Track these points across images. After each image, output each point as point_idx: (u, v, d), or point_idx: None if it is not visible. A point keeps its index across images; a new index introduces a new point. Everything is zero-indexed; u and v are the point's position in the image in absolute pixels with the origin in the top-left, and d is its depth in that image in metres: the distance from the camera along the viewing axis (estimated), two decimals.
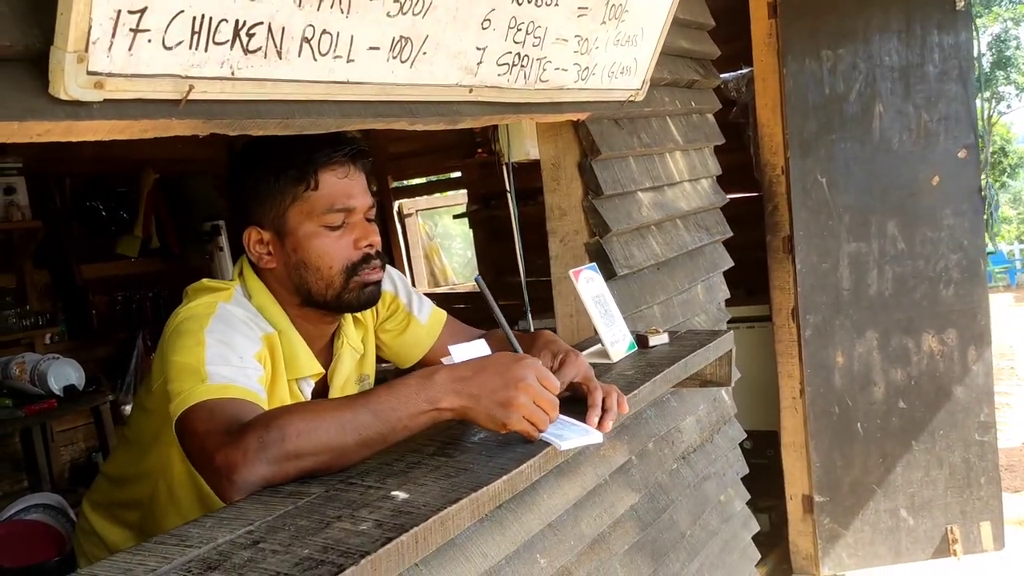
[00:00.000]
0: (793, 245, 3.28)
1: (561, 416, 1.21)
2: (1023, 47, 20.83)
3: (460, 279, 7.72)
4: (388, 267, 1.53)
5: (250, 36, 1.00)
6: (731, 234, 2.77)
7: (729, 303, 2.84)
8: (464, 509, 0.99)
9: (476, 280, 1.32)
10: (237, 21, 0.97)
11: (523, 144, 2.70)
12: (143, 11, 0.87)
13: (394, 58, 1.23)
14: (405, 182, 6.65)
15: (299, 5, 1.03)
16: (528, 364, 1.12)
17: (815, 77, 3.24)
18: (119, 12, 0.85)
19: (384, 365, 1.67)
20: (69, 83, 0.85)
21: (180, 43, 0.93)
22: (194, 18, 0.93)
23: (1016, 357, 8.31)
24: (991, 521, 3.42)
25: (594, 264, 1.83)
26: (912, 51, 3.25)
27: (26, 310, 4.63)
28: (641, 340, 1.83)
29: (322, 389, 1.46)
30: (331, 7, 1.08)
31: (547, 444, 1.16)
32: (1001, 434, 3.95)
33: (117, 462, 1.56)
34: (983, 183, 3.35)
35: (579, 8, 1.59)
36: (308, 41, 1.08)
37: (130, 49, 0.88)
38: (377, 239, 1.38)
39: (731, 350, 1.92)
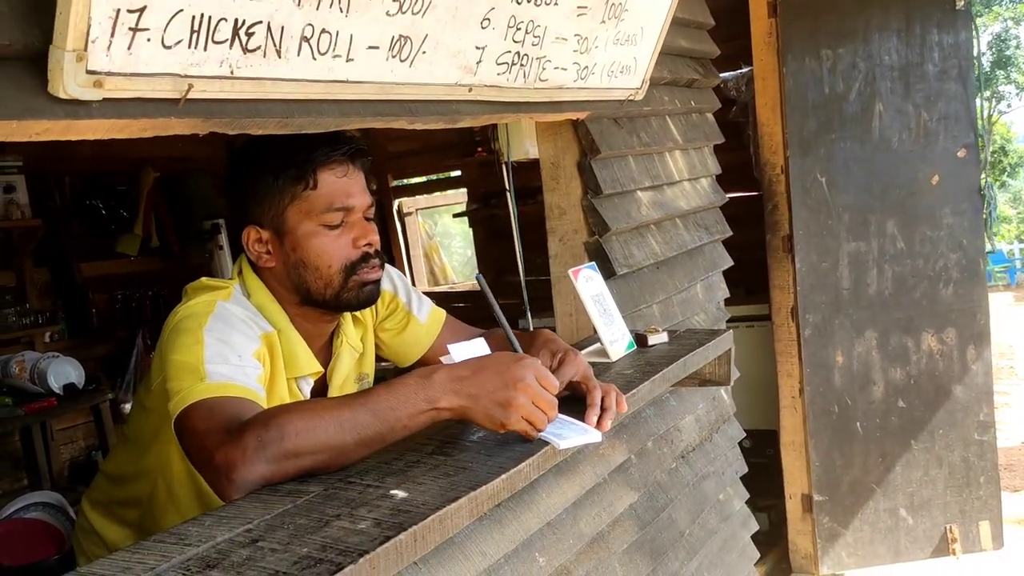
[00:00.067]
0: (793, 244, 3.28)
1: (560, 415, 1.21)
2: (1023, 46, 20.81)
3: (460, 278, 7.72)
4: (387, 266, 1.53)
5: (249, 35, 1.00)
6: (730, 233, 2.77)
7: (728, 302, 2.84)
8: (463, 508, 0.99)
9: (477, 279, 1.32)
10: (236, 20, 0.97)
11: (522, 143, 2.70)
12: (142, 10, 0.87)
13: (393, 57, 1.23)
14: (405, 181, 6.65)
15: (298, 4, 1.03)
16: (527, 364, 1.13)
17: (815, 76, 3.24)
18: (118, 11, 0.85)
19: (383, 364, 1.67)
20: (68, 82, 0.85)
21: (179, 42, 0.93)
22: (193, 17, 0.93)
23: (1016, 356, 8.32)
24: (990, 520, 3.43)
25: (593, 263, 1.83)
26: (912, 50, 3.25)
27: (26, 308, 4.63)
28: (640, 339, 1.83)
29: (321, 388, 1.46)
30: (330, 6, 1.08)
31: (546, 443, 1.16)
32: (1000, 433, 3.96)
33: (116, 460, 1.57)
34: (982, 182, 3.35)
35: (578, 7, 1.59)
36: (307, 40, 1.08)
37: (129, 48, 0.88)
38: (376, 238, 1.38)
39: (730, 349, 1.92)
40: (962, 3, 3.22)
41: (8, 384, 4.14)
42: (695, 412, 2.24)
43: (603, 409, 1.29)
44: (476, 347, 1.27)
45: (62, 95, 0.86)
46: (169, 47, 0.92)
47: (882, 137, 3.28)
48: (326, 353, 1.48)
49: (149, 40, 0.90)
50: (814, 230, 3.29)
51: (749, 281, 3.69)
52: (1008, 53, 20.41)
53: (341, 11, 1.10)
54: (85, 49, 0.85)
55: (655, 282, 2.27)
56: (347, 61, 1.15)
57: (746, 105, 3.71)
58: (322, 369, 1.44)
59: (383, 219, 6.29)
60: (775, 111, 3.28)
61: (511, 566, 1.32)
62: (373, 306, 1.49)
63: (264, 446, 1.00)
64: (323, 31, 1.09)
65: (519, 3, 1.42)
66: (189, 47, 0.94)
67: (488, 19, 1.37)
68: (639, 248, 2.20)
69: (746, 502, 2.49)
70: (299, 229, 1.33)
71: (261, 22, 1.00)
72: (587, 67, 1.75)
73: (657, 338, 1.84)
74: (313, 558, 0.84)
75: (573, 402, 1.31)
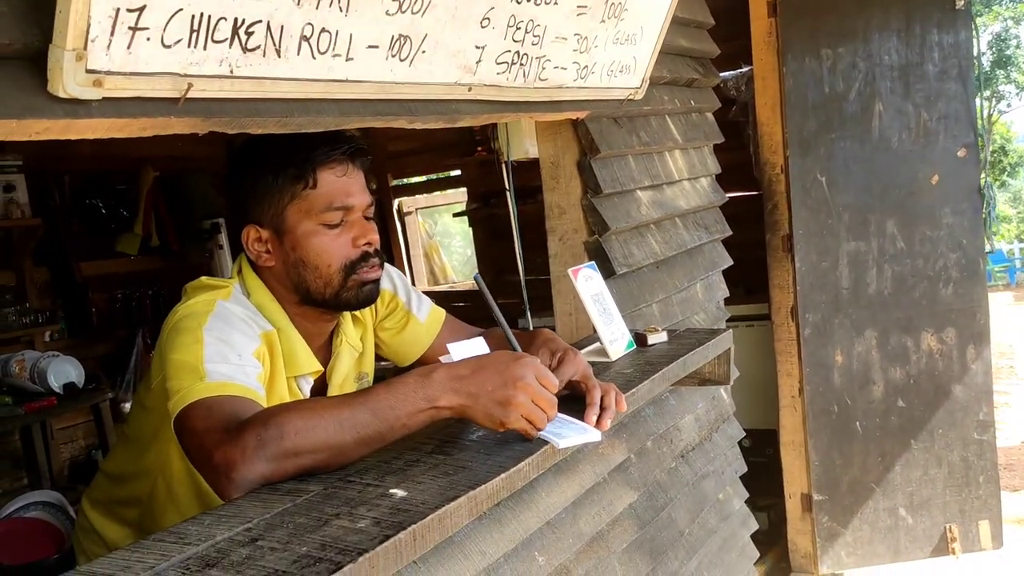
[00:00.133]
0: (792, 244, 3.28)
1: (559, 414, 1.21)
2: (1023, 46, 20.81)
3: (460, 277, 7.72)
4: (387, 265, 1.53)
5: (249, 34, 1.00)
6: (730, 233, 2.77)
7: (728, 302, 2.84)
8: (462, 507, 1.00)
9: (475, 279, 1.33)
10: (236, 19, 0.97)
11: (522, 142, 2.70)
12: (142, 9, 0.87)
13: (393, 56, 1.23)
14: (405, 180, 6.65)
15: (298, 4, 1.03)
16: (527, 363, 1.13)
17: (815, 76, 3.24)
18: (118, 10, 0.85)
19: (383, 363, 1.67)
20: (68, 81, 0.85)
21: (179, 41, 0.93)
22: (193, 16, 0.93)
23: (1016, 356, 8.32)
24: (990, 520, 3.43)
25: (593, 262, 1.83)
26: (912, 50, 3.25)
27: (26, 308, 4.63)
28: (640, 338, 1.83)
29: (321, 387, 1.46)
30: (330, 6, 1.08)
31: (545, 442, 1.16)
32: (1000, 433, 3.96)
33: (116, 460, 1.57)
34: (982, 182, 3.35)
35: (578, 7, 1.59)
36: (307, 39, 1.08)
37: (129, 47, 0.88)
38: (375, 237, 1.38)
39: (730, 348, 1.92)
40: (962, 3, 3.22)
41: (8, 383, 4.14)
42: (695, 411, 2.24)
43: (602, 408, 1.29)
44: (475, 346, 1.27)
45: (62, 94, 0.86)
46: (169, 46, 0.92)
47: (882, 137, 3.28)
48: (326, 352, 1.48)
49: (149, 39, 0.90)
50: (814, 230, 3.29)
51: (749, 280, 3.69)
52: (1008, 53, 20.41)
53: (341, 10, 1.10)
54: (85, 48, 0.85)
55: (655, 281, 2.27)
56: (347, 60, 1.15)
57: (746, 104, 3.71)
58: (322, 368, 1.44)
59: (383, 218, 6.29)
60: (775, 111, 3.28)
61: (510, 565, 1.32)
62: (373, 305, 1.49)
63: (263, 445, 1.00)
64: (323, 30, 1.09)
65: (519, 3, 1.42)
66: (189, 46, 0.94)
67: (488, 18, 1.37)
68: (639, 247, 2.20)
69: (746, 501, 2.49)
70: (299, 228, 1.33)
71: (261, 21, 1.00)
72: (587, 66, 1.75)
73: (656, 337, 1.84)
74: (312, 557, 0.84)
75: (572, 401, 1.31)
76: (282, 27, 1.03)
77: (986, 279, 3.45)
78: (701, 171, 2.65)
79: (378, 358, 1.63)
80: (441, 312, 1.67)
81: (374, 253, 1.38)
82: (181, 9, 0.91)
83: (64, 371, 4.20)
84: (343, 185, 1.34)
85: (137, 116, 0.95)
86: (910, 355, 3.36)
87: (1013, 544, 3.52)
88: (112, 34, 0.86)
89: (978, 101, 3.34)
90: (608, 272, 1.99)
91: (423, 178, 6.75)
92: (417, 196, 6.82)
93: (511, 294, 3.31)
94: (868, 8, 3.23)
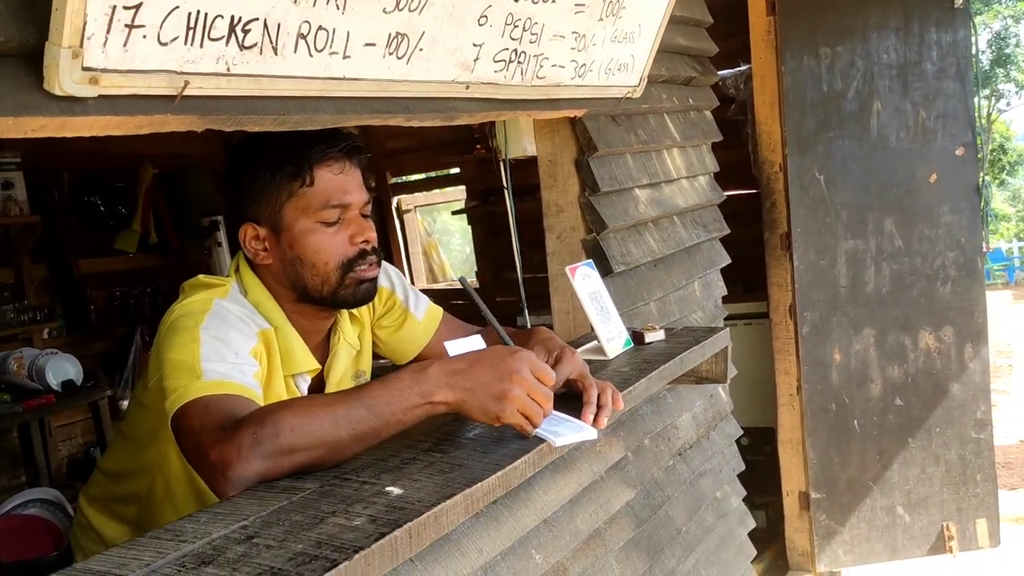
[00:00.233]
0: (791, 242, 3.28)
1: (556, 412, 1.21)
2: (1023, 45, 20.81)
3: (459, 275, 7.72)
4: (385, 263, 1.53)
5: (245, 32, 1.00)
6: (728, 231, 2.77)
7: (726, 300, 2.85)
8: (458, 504, 1.00)
9: (460, 280, 1.33)
10: (232, 17, 0.97)
11: (520, 140, 2.70)
12: (138, 7, 0.87)
13: (390, 54, 1.23)
14: (403, 178, 6.65)
15: (295, 1, 1.03)
16: (522, 357, 1.12)
17: (813, 74, 3.24)
18: (114, 8, 0.85)
19: (381, 361, 1.67)
20: (64, 79, 0.85)
21: (175, 39, 0.93)
22: (189, 14, 0.93)
23: (1014, 355, 8.32)
24: (987, 518, 3.43)
25: (590, 260, 1.83)
26: (910, 49, 3.25)
27: (24, 305, 4.64)
28: (637, 337, 1.83)
29: (318, 385, 1.46)
30: (327, 3, 1.07)
31: (542, 440, 1.16)
32: (998, 431, 3.96)
33: (114, 457, 1.57)
34: (980, 181, 3.35)
35: (576, 4, 1.59)
36: (304, 37, 1.08)
37: (125, 45, 0.88)
38: (373, 235, 1.38)
39: (727, 347, 1.92)
40: (960, 1, 3.22)
41: (6, 381, 4.14)
42: (692, 410, 2.25)
43: (599, 406, 1.29)
44: (473, 344, 1.27)
45: (58, 92, 0.86)
46: (165, 44, 0.92)
47: (880, 135, 3.28)
48: (323, 350, 1.48)
49: (145, 37, 0.90)
50: (812, 228, 3.29)
51: (747, 279, 3.69)
52: (1008, 51, 20.40)
53: (338, 8, 1.09)
54: (81, 46, 0.84)
55: (652, 280, 2.27)
56: (344, 58, 1.15)
57: (744, 103, 3.72)
58: (319, 366, 1.44)
59: (381, 216, 6.29)
60: (773, 109, 3.28)
61: (507, 563, 1.33)
62: (370, 303, 1.49)
63: (259, 443, 1.00)
64: (320, 28, 1.09)
65: (516, 0, 1.42)
66: (185, 44, 0.94)
67: (485, 16, 1.37)
68: (636, 246, 2.20)
69: (743, 499, 2.49)
70: (296, 226, 1.33)
71: (257, 19, 1.00)
72: (585, 64, 1.75)
73: (654, 336, 1.84)
74: (308, 555, 0.85)
75: (569, 399, 1.31)
76: (279, 25, 1.03)
77: (984, 278, 3.45)
78: (699, 169, 2.65)
79: (376, 356, 1.63)
80: (439, 310, 1.67)
81: (371, 251, 1.38)
82: (177, 7, 0.91)
83: (62, 369, 4.20)
84: (340, 183, 1.34)
85: (134, 114, 0.95)
86: (908, 353, 3.36)
87: (1010, 542, 3.52)
88: (108, 32, 0.86)
89: (977, 100, 3.34)
90: (606, 270, 2.00)
91: (422, 176, 6.75)
92: (416, 194, 6.82)
93: (509, 292, 3.31)
94: (867, 7, 3.22)
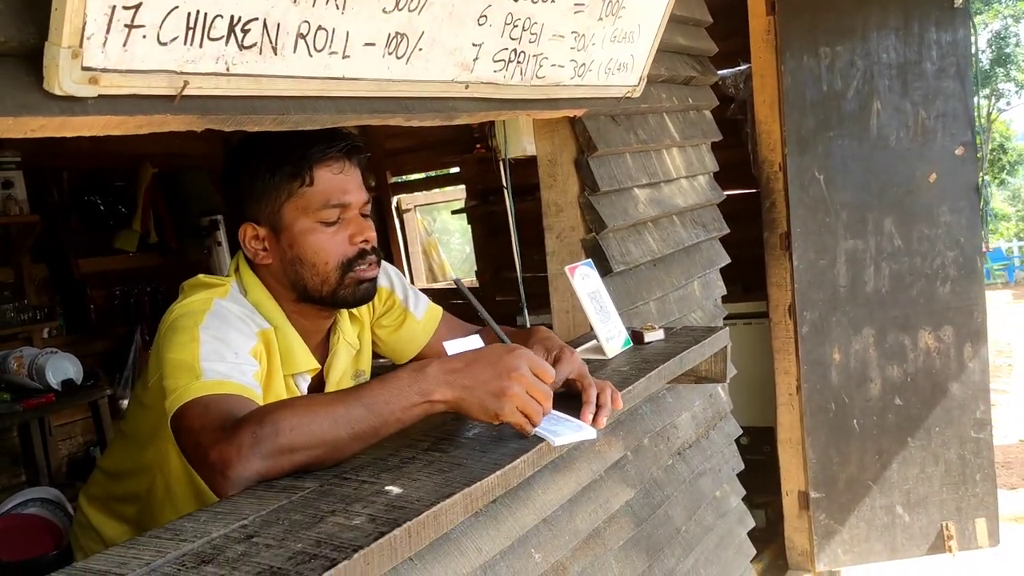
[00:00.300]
0: (790, 242, 3.28)
1: (555, 412, 1.21)
2: (1023, 44, 20.81)
3: (459, 275, 7.72)
4: (384, 263, 1.53)
5: (245, 32, 1.00)
6: (728, 231, 2.77)
7: (726, 299, 2.85)
8: (457, 504, 1.00)
9: (455, 281, 1.34)
10: (232, 17, 0.97)
11: (520, 140, 2.70)
12: (138, 7, 0.87)
13: (390, 54, 1.23)
14: (403, 177, 6.65)
15: (294, 1, 1.03)
16: (521, 354, 1.13)
17: (813, 74, 3.24)
18: (114, 8, 0.85)
19: (380, 361, 1.67)
20: (64, 79, 0.85)
21: (175, 39, 0.93)
22: (189, 14, 0.93)
23: (1014, 354, 8.33)
24: (986, 517, 3.43)
25: (590, 260, 1.83)
26: (910, 48, 3.25)
27: (24, 304, 4.64)
28: (636, 336, 1.83)
29: (318, 384, 1.47)
30: (326, 3, 1.08)
31: (541, 439, 1.16)
32: (998, 431, 3.96)
33: (114, 457, 1.57)
34: (980, 180, 3.35)
35: (576, 4, 1.59)
36: (303, 37, 1.08)
37: (125, 45, 0.88)
38: (372, 235, 1.38)
39: (726, 346, 1.92)
40: (960, 1, 3.22)
41: (6, 380, 4.15)
42: (692, 409, 2.25)
43: (598, 406, 1.29)
44: (472, 344, 1.27)
45: (58, 92, 0.86)
46: (165, 44, 0.92)
47: (880, 135, 3.28)
48: (323, 350, 1.48)
49: (145, 37, 0.90)
50: (812, 228, 3.29)
51: (747, 278, 3.70)
52: (1008, 51, 20.41)
53: (337, 8, 1.10)
54: (80, 46, 0.85)
55: (652, 279, 2.28)
56: (343, 58, 1.16)
57: (744, 102, 3.72)
58: (319, 366, 1.44)
59: (381, 216, 6.30)
60: (773, 109, 3.28)
61: (507, 562, 1.33)
62: (370, 303, 1.49)
63: (259, 442, 1.00)
64: (319, 28, 1.09)
65: (516, 0, 1.42)
66: (185, 44, 0.94)
67: (485, 16, 1.37)
68: (636, 245, 2.20)
69: (743, 499, 2.49)
70: (296, 226, 1.33)
71: (257, 19, 1.01)
72: (584, 64, 1.75)
73: (653, 335, 1.84)
74: (308, 554, 0.85)
75: (568, 399, 1.31)
76: (278, 25, 1.04)
77: (984, 277, 3.45)
78: (699, 169, 2.66)
79: (375, 355, 1.63)
80: (438, 310, 1.68)
81: (371, 250, 1.38)
82: (177, 7, 0.91)
83: (62, 368, 4.20)
84: (340, 182, 1.34)
85: (133, 114, 0.95)
86: (907, 353, 3.37)
87: (1010, 542, 3.52)
88: (108, 32, 0.86)
89: (977, 99, 3.34)
90: (605, 270, 2.00)
91: (421, 175, 6.75)
92: (415, 193, 6.82)
93: (509, 291, 3.31)
94: (866, 6, 3.23)
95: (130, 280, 5.22)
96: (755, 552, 2.55)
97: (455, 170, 6.21)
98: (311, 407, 1.05)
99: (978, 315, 3.38)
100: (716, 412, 2.41)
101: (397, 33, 1.22)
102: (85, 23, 0.83)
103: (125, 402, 4.88)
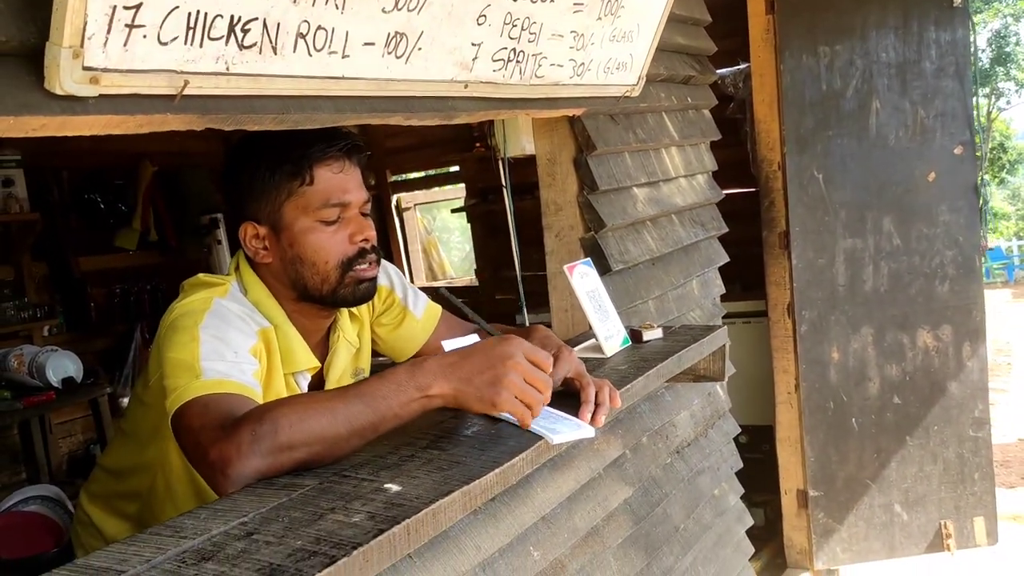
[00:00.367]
0: (789, 241, 3.29)
1: (554, 410, 1.22)
2: (1023, 43, 20.80)
3: (458, 273, 7.72)
4: (384, 262, 1.53)
5: (245, 32, 1.00)
6: (727, 230, 2.78)
7: (725, 299, 2.85)
8: (456, 501, 1.00)
9: (439, 291, 1.37)
10: (232, 17, 0.98)
11: (519, 139, 2.71)
12: (138, 7, 0.87)
13: (389, 54, 1.24)
14: (403, 176, 6.65)
15: (294, 1, 1.04)
16: (515, 342, 1.13)
17: (812, 73, 3.24)
18: (114, 8, 0.85)
19: (380, 359, 1.68)
20: (64, 78, 0.86)
21: (175, 39, 0.93)
22: (189, 14, 0.93)
23: (1013, 353, 8.34)
24: (985, 516, 3.44)
25: (589, 259, 1.83)
26: (909, 47, 3.26)
27: (24, 302, 4.64)
28: (635, 335, 1.84)
29: (318, 383, 1.47)
30: (326, 3, 1.08)
31: (539, 438, 1.17)
32: (997, 430, 3.97)
33: (115, 455, 1.57)
34: (979, 180, 3.36)
35: (575, 4, 1.59)
36: (303, 37, 1.08)
37: (125, 45, 0.89)
38: (372, 234, 1.39)
39: (724, 345, 1.93)
40: (959, 0, 3.22)
41: (7, 378, 4.15)
42: (690, 408, 2.25)
43: (597, 405, 1.30)
44: (471, 342, 1.27)
45: (58, 91, 0.87)
46: (165, 44, 0.93)
47: (879, 134, 3.28)
48: (323, 348, 1.49)
49: (145, 37, 0.90)
50: (811, 227, 3.29)
51: (745, 277, 3.70)
52: (1008, 50, 20.40)
53: (337, 8, 1.10)
54: (81, 46, 0.85)
55: (651, 278, 2.28)
56: (343, 58, 1.16)
57: (743, 102, 3.72)
58: (319, 364, 1.45)
59: (381, 214, 6.30)
60: (772, 108, 3.28)
61: (506, 560, 1.33)
62: (370, 301, 1.50)
63: (258, 440, 1.01)
64: (319, 28, 1.10)
65: (515, 0, 1.42)
66: (185, 44, 0.95)
67: (484, 16, 1.38)
68: (635, 244, 2.20)
69: (741, 497, 2.50)
70: (296, 225, 1.34)
71: (257, 19, 1.01)
72: (583, 64, 1.76)
73: (652, 334, 1.85)
74: (307, 551, 0.85)
75: (567, 398, 1.32)
76: (278, 24, 1.04)
77: (983, 276, 3.46)
78: (698, 168, 2.66)
79: (375, 354, 1.64)
80: (437, 308, 1.68)
81: (371, 249, 1.38)
82: (177, 7, 0.91)
83: (62, 366, 4.21)
84: (340, 182, 1.35)
85: (134, 113, 0.95)
86: (906, 352, 3.37)
87: (1008, 540, 3.53)
88: (109, 31, 0.86)
89: (976, 99, 3.34)
90: (604, 268, 2.00)
91: (421, 174, 6.75)
92: (415, 192, 6.83)
93: (508, 290, 3.32)
94: (866, 5, 3.23)
95: (130, 278, 5.22)
96: (754, 550, 2.55)
97: (455, 169, 6.21)
98: (310, 404, 1.05)
99: (977, 314, 3.38)
100: (715, 411, 2.42)
101: (396, 33, 1.22)
102: (86, 23, 0.84)
103: (125, 400, 4.89)
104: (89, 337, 5.00)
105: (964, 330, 3.37)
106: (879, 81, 3.26)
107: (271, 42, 1.04)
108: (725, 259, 2.77)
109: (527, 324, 2.58)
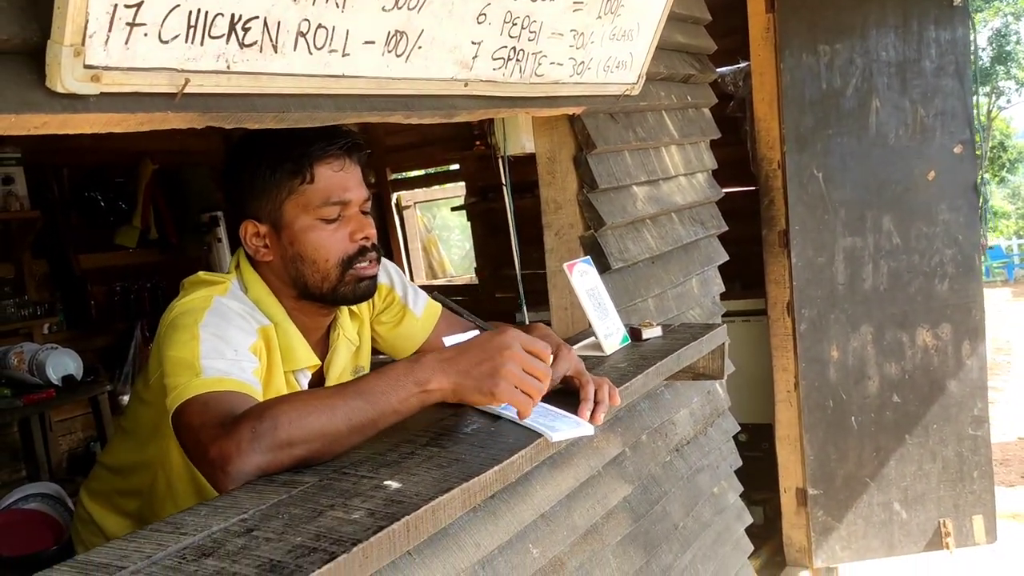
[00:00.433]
0: (789, 239, 3.29)
1: (553, 408, 1.22)
2: (1023, 42, 20.79)
3: (458, 271, 7.72)
4: (384, 260, 1.54)
5: (246, 30, 1.01)
6: (726, 228, 2.78)
7: (724, 297, 2.85)
8: (455, 499, 1.01)
9: (434, 297, 1.37)
10: (233, 15, 0.98)
11: (519, 138, 2.71)
12: (139, 5, 0.88)
13: (389, 52, 1.24)
14: (403, 174, 6.65)
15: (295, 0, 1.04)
16: (511, 333, 1.13)
17: (812, 72, 3.24)
18: (115, 6, 0.86)
19: (380, 357, 1.68)
20: (66, 76, 0.86)
21: (176, 37, 0.94)
22: (190, 12, 0.93)
23: (1013, 352, 8.34)
24: (983, 515, 3.45)
25: (588, 257, 1.84)
26: (909, 46, 3.26)
27: (24, 300, 4.65)
28: (634, 333, 1.84)
29: (318, 381, 1.47)
30: (326, 2, 1.08)
31: (538, 435, 1.17)
32: (996, 428, 3.98)
33: (115, 452, 1.58)
34: (979, 179, 3.36)
35: (574, 2, 1.59)
36: (303, 35, 1.09)
37: (126, 43, 0.89)
38: (373, 232, 1.39)
39: (724, 343, 1.93)
40: None
41: (7, 375, 4.16)
42: (689, 406, 2.26)
43: (596, 403, 1.30)
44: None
45: (60, 89, 0.87)
46: (166, 42, 0.93)
47: (879, 133, 3.29)
48: (323, 346, 1.49)
49: (146, 35, 0.90)
50: (810, 225, 3.30)
51: (745, 276, 3.70)
52: (1008, 49, 20.39)
53: (337, 6, 1.10)
54: (83, 44, 0.85)
55: (650, 276, 2.28)
56: (343, 56, 1.16)
57: (743, 100, 3.72)
58: (319, 362, 1.45)
59: (381, 212, 6.30)
60: (772, 106, 3.28)
61: (505, 557, 1.34)
62: (370, 300, 1.50)
63: (258, 437, 1.01)
64: (319, 26, 1.10)
65: None
66: (186, 42, 0.95)
67: (484, 14, 1.38)
68: (634, 242, 2.21)
69: (741, 495, 2.50)
70: (296, 223, 1.34)
71: (257, 17, 1.01)
72: (583, 62, 1.76)
73: (651, 332, 1.85)
74: (307, 547, 0.85)
75: (566, 396, 1.32)
76: (279, 23, 1.04)
77: (982, 275, 3.46)
78: (697, 167, 2.66)
79: (375, 352, 1.64)
80: (437, 307, 1.68)
81: (371, 248, 1.39)
82: (178, 5, 0.92)
83: (63, 363, 4.21)
84: (340, 180, 1.35)
85: (135, 111, 0.96)
86: (905, 350, 3.37)
87: (1007, 539, 3.54)
88: (110, 30, 0.87)
89: (976, 98, 3.35)
90: (603, 267, 2.00)
91: (421, 172, 6.75)
92: (415, 190, 6.83)
93: (508, 288, 3.32)
94: (866, 4, 3.23)
95: (130, 276, 5.22)
96: (753, 548, 2.56)
97: (455, 167, 6.21)
98: (309, 401, 1.06)
99: (976, 313, 3.39)
100: (714, 409, 2.42)
101: (397, 31, 1.22)
102: (87, 22, 0.84)
103: (125, 398, 4.90)
104: (89, 335, 5.01)
105: (964, 329, 3.38)
106: (879, 80, 3.26)
107: (272, 40, 1.05)
108: (725, 257, 2.77)
109: (527, 322, 2.59)
